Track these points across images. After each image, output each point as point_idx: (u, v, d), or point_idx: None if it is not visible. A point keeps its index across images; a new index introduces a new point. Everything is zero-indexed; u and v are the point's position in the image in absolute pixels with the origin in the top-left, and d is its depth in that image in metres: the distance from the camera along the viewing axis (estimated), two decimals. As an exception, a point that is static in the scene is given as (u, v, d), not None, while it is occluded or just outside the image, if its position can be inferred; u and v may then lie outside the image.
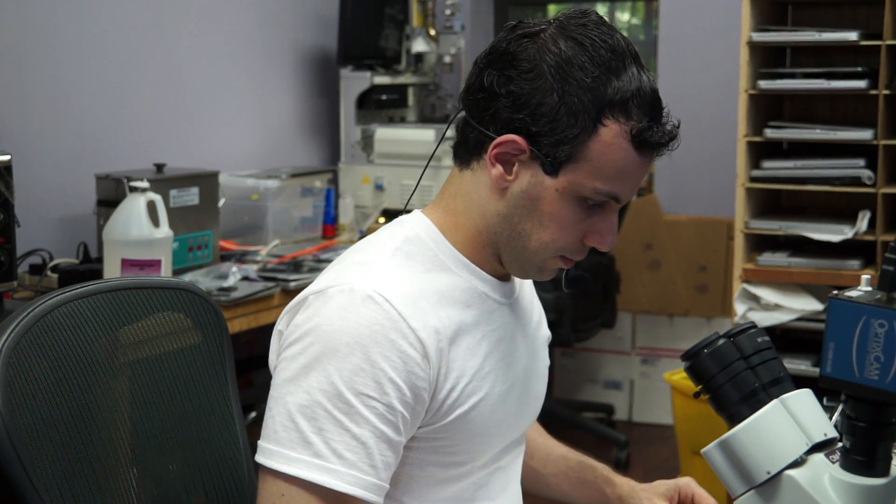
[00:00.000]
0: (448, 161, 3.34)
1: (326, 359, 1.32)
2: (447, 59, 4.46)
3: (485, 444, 1.46)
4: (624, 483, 1.66)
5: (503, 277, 1.49)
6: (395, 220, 1.49)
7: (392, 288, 1.36)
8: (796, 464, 1.20)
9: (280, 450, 1.32)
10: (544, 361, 1.60)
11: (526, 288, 1.59)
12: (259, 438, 1.37)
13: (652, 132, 1.35)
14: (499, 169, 1.39)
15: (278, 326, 1.44)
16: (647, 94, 1.36)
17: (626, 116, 1.35)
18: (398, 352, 1.33)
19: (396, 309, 1.34)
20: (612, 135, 1.35)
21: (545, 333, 1.63)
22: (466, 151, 1.43)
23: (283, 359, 1.37)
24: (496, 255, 1.45)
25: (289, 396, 1.34)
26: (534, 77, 1.35)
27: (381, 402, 1.32)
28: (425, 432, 1.40)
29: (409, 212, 1.51)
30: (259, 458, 1.35)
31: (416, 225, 1.46)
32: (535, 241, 1.40)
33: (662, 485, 1.64)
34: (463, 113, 1.44)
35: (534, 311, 1.60)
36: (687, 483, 1.64)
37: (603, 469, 1.68)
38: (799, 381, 1.24)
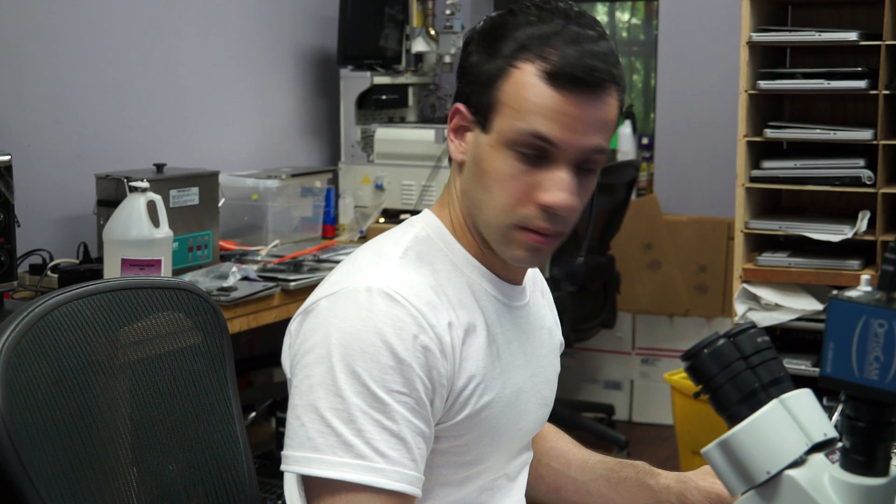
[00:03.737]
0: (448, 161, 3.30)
1: (353, 360, 1.31)
2: (447, 59, 4.45)
3: (493, 445, 1.45)
4: (668, 473, 1.63)
5: (514, 281, 1.49)
6: (406, 221, 1.49)
7: (407, 286, 1.36)
8: (796, 464, 1.20)
9: (319, 456, 1.31)
10: (554, 368, 1.60)
11: (538, 293, 1.59)
12: (284, 448, 1.35)
13: (563, 65, 1.33)
14: (455, 143, 1.42)
15: (290, 328, 1.42)
16: (570, 36, 1.35)
17: (541, 58, 1.34)
18: (421, 347, 1.33)
19: (414, 306, 1.34)
20: (523, 74, 1.35)
21: (558, 339, 1.63)
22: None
23: (306, 364, 1.35)
24: (488, 244, 1.44)
25: (319, 402, 1.32)
26: (472, 48, 1.41)
27: (412, 397, 1.33)
28: (438, 431, 1.40)
29: (417, 211, 1.51)
30: (294, 468, 1.33)
31: (426, 225, 1.46)
32: (488, 209, 1.39)
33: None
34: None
35: (546, 317, 1.60)
36: None
37: (643, 465, 1.65)
38: (799, 381, 1.24)
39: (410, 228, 1.46)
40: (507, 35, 1.37)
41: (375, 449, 1.31)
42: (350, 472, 1.30)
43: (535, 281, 1.59)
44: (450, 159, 1.47)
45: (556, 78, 1.33)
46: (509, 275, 1.48)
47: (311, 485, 1.35)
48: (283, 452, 1.35)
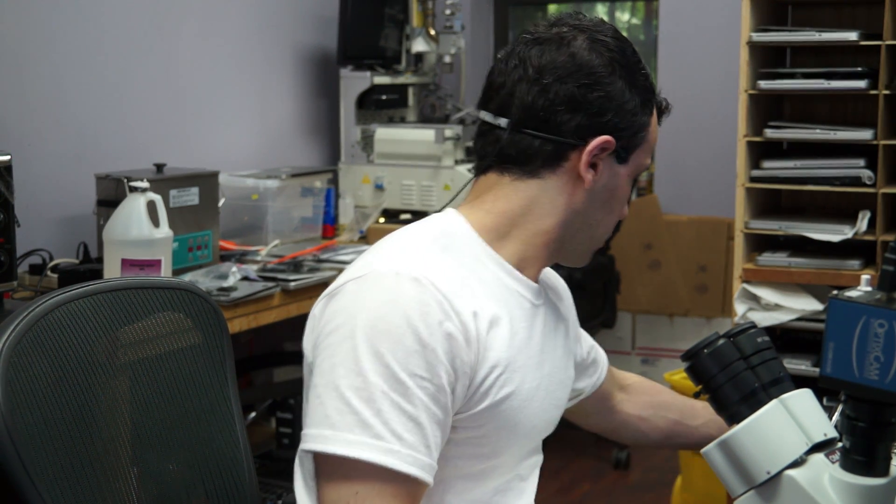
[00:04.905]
0: (448, 161, 3.36)
1: (377, 340, 1.32)
2: (447, 59, 4.45)
3: (510, 438, 1.46)
4: None
5: (534, 280, 1.51)
6: (429, 216, 1.52)
7: (434, 273, 1.38)
8: (796, 464, 1.20)
9: (336, 434, 1.31)
10: (568, 372, 1.61)
11: (560, 297, 1.62)
12: (303, 428, 1.35)
13: (662, 101, 1.53)
14: (591, 172, 1.45)
15: (314, 311, 1.44)
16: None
17: (657, 98, 1.52)
18: (445, 333, 1.34)
19: (441, 292, 1.36)
20: (654, 114, 1.51)
21: (574, 349, 1.66)
22: (533, 163, 1.46)
23: (329, 344, 1.36)
24: (555, 252, 1.50)
25: (341, 380, 1.32)
26: (613, 80, 1.45)
27: (433, 384, 1.33)
28: (457, 420, 1.40)
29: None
30: (312, 445, 1.33)
31: (450, 222, 1.48)
32: (603, 226, 1.51)
33: None
34: (517, 132, 1.46)
35: (568, 322, 1.63)
36: None
37: None
38: (799, 381, 1.24)
39: (436, 223, 1.49)
40: (639, 71, 1.48)
41: (392, 430, 1.31)
42: (366, 450, 1.30)
43: (547, 276, 1.61)
44: (506, 173, 1.48)
45: (662, 115, 1.54)
46: (530, 273, 1.50)
47: (324, 464, 1.34)
48: (302, 432, 1.36)
